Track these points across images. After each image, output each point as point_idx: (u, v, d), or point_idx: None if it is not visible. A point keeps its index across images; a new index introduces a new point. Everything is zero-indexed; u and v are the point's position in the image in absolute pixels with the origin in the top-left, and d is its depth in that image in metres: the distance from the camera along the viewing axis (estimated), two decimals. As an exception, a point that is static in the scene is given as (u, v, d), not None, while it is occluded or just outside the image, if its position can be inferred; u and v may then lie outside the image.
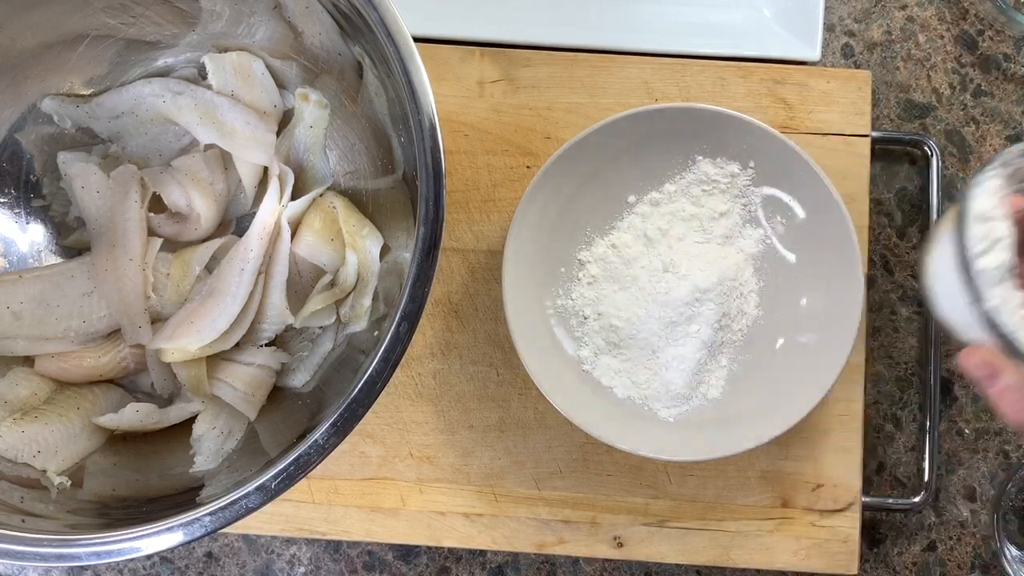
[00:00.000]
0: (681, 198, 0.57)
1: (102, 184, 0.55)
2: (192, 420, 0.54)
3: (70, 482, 0.50)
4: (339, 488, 0.59)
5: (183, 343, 0.52)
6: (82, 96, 0.56)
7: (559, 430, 0.59)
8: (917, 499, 0.59)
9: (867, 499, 0.59)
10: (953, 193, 0.63)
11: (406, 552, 0.62)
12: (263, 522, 0.59)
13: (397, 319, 0.46)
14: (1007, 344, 0.38)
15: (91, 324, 0.53)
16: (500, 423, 0.59)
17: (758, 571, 0.60)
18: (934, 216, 0.60)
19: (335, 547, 0.61)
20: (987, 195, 0.38)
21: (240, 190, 0.57)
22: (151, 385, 0.55)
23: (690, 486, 0.59)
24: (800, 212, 0.56)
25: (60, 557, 0.44)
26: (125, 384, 0.56)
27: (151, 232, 0.55)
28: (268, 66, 0.56)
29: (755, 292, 0.57)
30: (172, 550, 0.61)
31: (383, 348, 0.46)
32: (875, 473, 0.61)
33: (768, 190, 0.56)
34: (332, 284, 0.56)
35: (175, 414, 0.54)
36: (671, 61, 0.60)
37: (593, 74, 0.60)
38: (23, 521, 0.46)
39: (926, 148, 0.61)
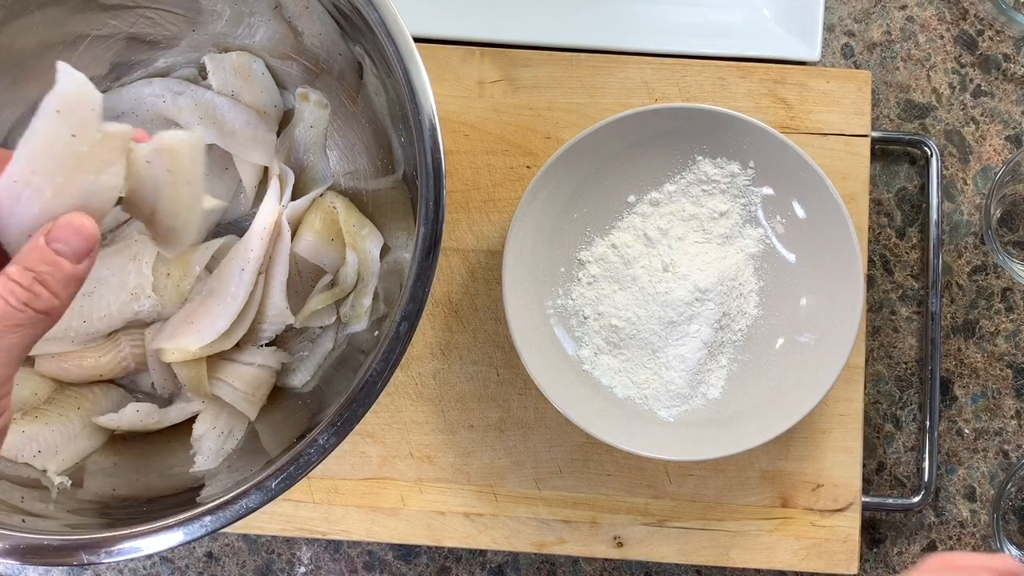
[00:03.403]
0: (681, 198, 0.57)
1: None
2: (192, 420, 0.54)
3: (70, 482, 0.50)
4: (339, 488, 0.59)
5: (183, 343, 0.52)
6: (82, 96, 0.56)
7: (559, 430, 0.59)
8: (917, 499, 0.59)
9: (867, 499, 0.59)
10: (953, 193, 0.63)
11: (406, 552, 0.62)
12: (263, 522, 0.59)
13: (397, 319, 0.46)
14: None
15: (91, 324, 0.53)
16: (500, 423, 0.59)
17: (758, 571, 0.60)
18: (934, 216, 0.60)
19: (335, 547, 0.62)
20: None
21: (240, 190, 0.57)
22: (151, 385, 0.55)
23: (690, 486, 0.59)
24: (800, 212, 0.56)
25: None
26: (125, 384, 0.56)
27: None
28: (268, 66, 0.57)
29: (755, 292, 0.57)
30: (172, 550, 0.61)
31: (383, 348, 0.46)
32: (875, 473, 0.61)
33: (768, 190, 0.56)
34: (332, 284, 0.56)
35: (175, 414, 0.54)
36: (671, 61, 0.60)
37: (593, 74, 0.60)
38: (23, 521, 0.46)
39: (926, 148, 0.61)
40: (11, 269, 0.31)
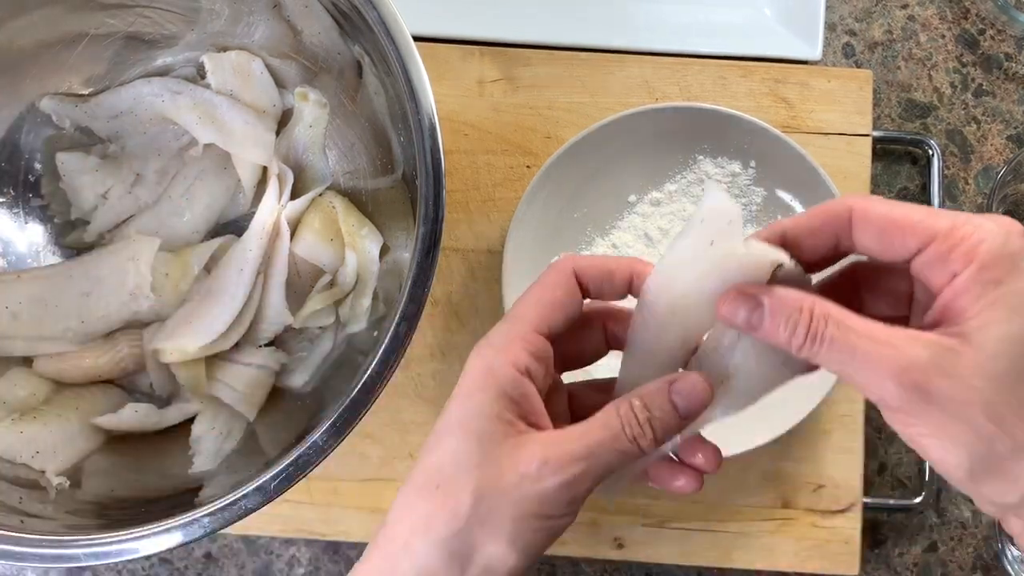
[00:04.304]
0: (682, 198, 0.57)
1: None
2: (191, 421, 0.54)
3: (69, 483, 0.50)
4: (339, 489, 0.59)
5: (182, 343, 0.52)
6: (81, 96, 0.56)
7: (559, 430, 0.59)
8: (918, 500, 0.59)
9: (868, 500, 0.58)
10: (955, 193, 0.62)
11: (406, 553, 0.61)
12: (262, 523, 0.59)
13: (397, 319, 0.46)
14: None
15: (90, 324, 0.53)
16: (500, 423, 0.59)
17: (759, 572, 0.60)
18: (935, 216, 0.60)
19: (334, 548, 0.61)
20: None
21: (239, 190, 0.57)
22: (150, 385, 0.55)
23: (691, 487, 0.59)
24: (801, 212, 0.56)
25: (59, 558, 0.44)
26: (124, 384, 0.56)
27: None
28: (267, 65, 0.56)
29: (756, 292, 0.57)
30: (171, 551, 0.61)
31: (383, 348, 0.45)
32: (876, 474, 0.61)
33: (769, 190, 0.56)
34: (331, 284, 0.56)
35: (174, 415, 0.54)
36: (672, 60, 0.60)
37: (593, 74, 0.60)
38: (22, 522, 0.46)
39: (927, 148, 0.61)
40: (636, 402, 0.33)
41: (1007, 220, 0.31)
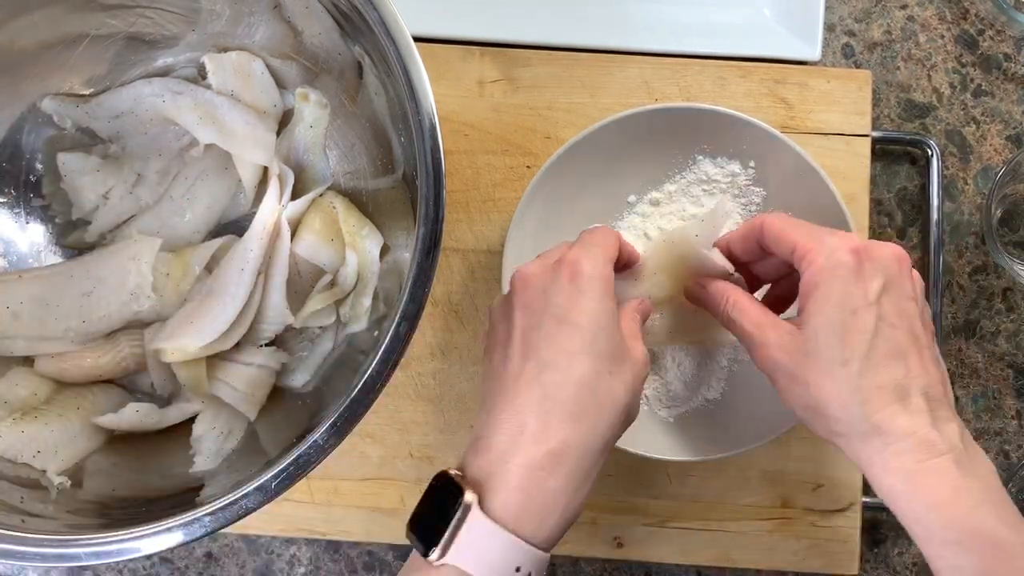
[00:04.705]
0: (681, 198, 0.57)
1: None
2: (192, 420, 0.54)
3: (70, 482, 0.50)
4: (339, 488, 0.59)
5: (182, 343, 0.52)
6: (82, 96, 0.56)
7: (559, 430, 0.59)
8: (917, 499, 0.59)
9: (867, 499, 0.59)
10: (954, 193, 0.63)
11: (406, 552, 0.61)
12: (263, 522, 0.59)
13: (397, 319, 0.46)
14: None
15: (91, 324, 0.53)
16: (500, 423, 0.59)
17: (758, 571, 0.60)
18: (934, 216, 0.60)
19: (335, 547, 0.61)
20: None
21: (240, 190, 0.57)
22: (151, 385, 0.55)
23: (690, 486, 0.59)
24: (801, 212, 0.56)
25: (60, 557, 0.44)
26: (125, 384, 0.56)
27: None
28: (268, 66, 0.56)
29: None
30: (172, 550, 0.61)
31: (383, 348, 0.46)
32: (875, 473, 0.61)
33: (769, 190, 0.56)
34: (332, 284, 0.56)
35: (175, 414, 0.54)
36: (671, 61, 0.60)
37: (593, 74, 0.60)
38: (23, 521, 0.46)
39: (926, 148, 0.61)
40: (634, 313, 0.47)
41: (845, 238, 0.43)
